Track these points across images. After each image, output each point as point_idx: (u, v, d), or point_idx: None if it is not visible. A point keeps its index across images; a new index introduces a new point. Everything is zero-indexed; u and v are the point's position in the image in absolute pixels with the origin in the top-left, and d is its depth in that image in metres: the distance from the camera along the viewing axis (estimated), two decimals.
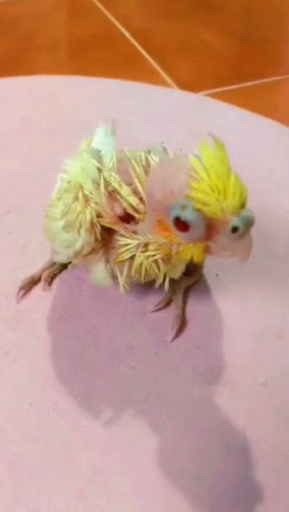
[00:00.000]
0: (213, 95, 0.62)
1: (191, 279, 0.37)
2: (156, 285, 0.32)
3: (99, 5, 0.79)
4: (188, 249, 0.27)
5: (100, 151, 0.32)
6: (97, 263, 0.32)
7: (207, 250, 0.26)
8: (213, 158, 0.24)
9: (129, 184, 0.29)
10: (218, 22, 0.77)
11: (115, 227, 0.29)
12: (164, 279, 0.31)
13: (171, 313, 0.36)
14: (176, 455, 0.30)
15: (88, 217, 0.29)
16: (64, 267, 0.38)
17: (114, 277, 0.32)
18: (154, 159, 0.30)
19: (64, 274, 0.38)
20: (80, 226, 0.30)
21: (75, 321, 0.36)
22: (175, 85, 0.64)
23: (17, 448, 0.30)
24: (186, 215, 0.24)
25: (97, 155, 0.31)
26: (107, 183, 0.29)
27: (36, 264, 0.38)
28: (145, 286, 0.37)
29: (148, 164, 0.29)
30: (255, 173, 0.49)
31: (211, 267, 0.39)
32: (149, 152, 0.31)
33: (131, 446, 0.30)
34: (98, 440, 0.30)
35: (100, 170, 0.30)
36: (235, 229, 0.24)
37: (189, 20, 0.77)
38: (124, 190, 0.28)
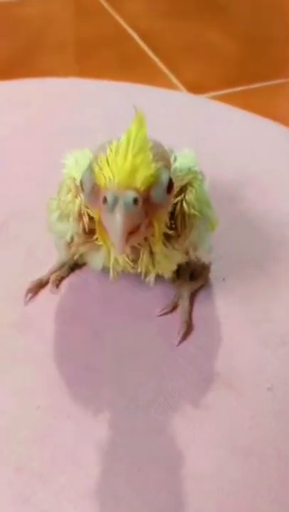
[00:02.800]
0: (220, 97, 0.62)
1: (197, 283, 0.38)
2: (145, 280, 0.33)
3: (106, 6, 0.79)
4: (100, 230, 0.28)
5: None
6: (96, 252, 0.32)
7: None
8: (131, 135, 0.25)
9: None
10: (225, 23, 0.77)
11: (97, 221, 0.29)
12: (147, 274, 0.32)
13: (177, 318, 0.36)
14: (181, 459, 0.30)
15: (76, 208, 0.30)
16: (71, 269, 0.39)
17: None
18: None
19: (72, 277, 0.38)
20: (69, 216, 0.31)
21: (81, 324, 0.36)
22: (182, 86, 0.64)
23: (25, 450, 0.30)
24: (82, 176, 0.27)
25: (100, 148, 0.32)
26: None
27: (43, 268, 0.39)
28: (152, 289, 0.37)
29: None
30: (260, 176, 0.49)
31: (217, 272, 0.39)
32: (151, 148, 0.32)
33: (136, 449, 0.30)
34: (104, 443, 0.31)
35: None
36: (104, 200, 0.25)
37: (196, 22, 0.77)
38: None
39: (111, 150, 0.25)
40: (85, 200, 0.28)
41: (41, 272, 0.38)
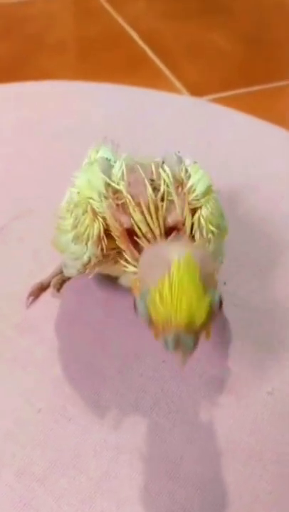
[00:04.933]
0: (222, 99, 0.62)
1: None
2: None
3: (107, 6, 0.79)
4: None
5: (109, 160, 0.32)
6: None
7: None
8: (183, 276, 0.24)
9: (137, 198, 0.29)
10: (228, 25, 0.77)
11: (121, 243, 0.29)
12: None
13: None
14: (182, 462, 0.30)
15: (96, 232, 0.30)
16: None
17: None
18: (166, 170, 0.30)
19: (73, 281, 0.39)
20: (88, 239, 0.30)
21: (83, 327, 0.36)
22: (183, 88, 0.64)
23: (26, 453, 0.30)
24: (138, 304, 0.25)
25: (107, 165, 0.32)
26: (116, 194, 0.30)
27: (46, 270, 0.39)
28: None
29: (158, 177, 0.30)
30: (263, 180, 0.49)
31: (218, 275, 0.39)
32: (163, 162, 0.31)
33: (138, 453, 0.31)
34: (106, 446, 0.31)
35: (107, 183, 0.30)
36: (166, 343, 0.25)
37: (198, 23, 0.77)
38: (132, 205, 0.29)
39: (163, 283, 0.24)
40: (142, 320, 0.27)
41: (45, 274, 0.38)
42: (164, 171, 0.30)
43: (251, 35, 0.75)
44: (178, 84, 0.65)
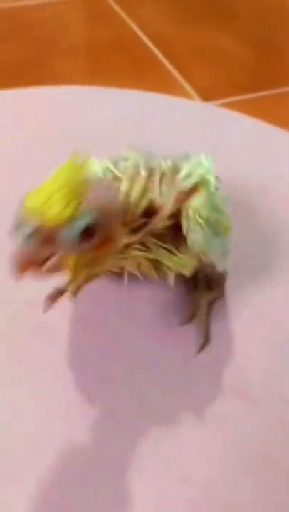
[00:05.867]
0: (232, 103, 0.62)
1: (214, 293, 0.38)
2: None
3: (118, 10, 0.80)
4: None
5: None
6: None
7: None
8: (62, 172, 0.25)
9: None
10: (237, 29, 0.77)
11: None
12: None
13: (194, 328, 0.37)
14: (196, 469, 0.31)
15: None
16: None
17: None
18: (167, 161, 0.32)
19: (90, 286, 0.39)
20: None
21: (99, 333, 0.37)
22: (193, 92, 0.64)
23: (42, 459, 0.31)
24: None
25: (117, 157, 0.33)
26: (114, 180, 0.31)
27: (62, 275, 0.39)
28: (169, 299, 0.38)
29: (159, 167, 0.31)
30: (272, 185, 0.49)
31: (232, 281, 0.39)
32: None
33: (151, 458, 0.31)
34: (120, 450, 0.31)
35: (108, 168, 0.31)
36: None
37: (208, 27, 0.77)
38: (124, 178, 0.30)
39: (44, 182, 0.25)
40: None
41: (61, 280, 0.39)
42: (166, 162, 0.31)
43: (261, 39, 0.75)
44: (187, 87, 0.65)
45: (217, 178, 0.34)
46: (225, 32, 0.76)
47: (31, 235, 0.24)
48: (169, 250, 0.31)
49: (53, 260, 0.25)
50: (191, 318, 0.37)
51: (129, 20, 0.78)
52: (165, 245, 0.31)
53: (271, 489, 0.30)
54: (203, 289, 0.38)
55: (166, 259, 0.32)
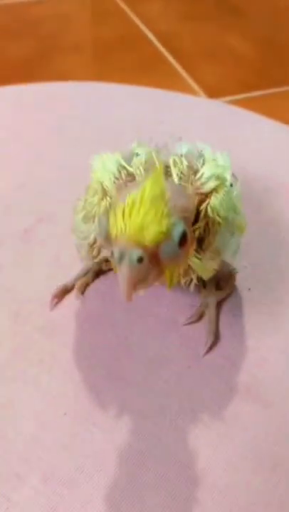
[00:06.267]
0: (239, 101, 0.62)
1: (223, 292, 0.38)
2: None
3: (124, 7, 0.79)
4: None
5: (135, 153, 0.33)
6: None
7: None
8: (145, 190, 0.25)
9: None
10: (245, 27, 0.77)
11: None
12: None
13: (203, 327, 0.36)
14: (208, 470, 0.30)
15: (102, 209, 0.30)
16: (97, 275, 0.39)
17: None
18: (183, 160, 0.31)
19: (97, 283, 0.38)
20: (94, 217, 0.31)
21: (107, 331, 0.36)
22: (200, 89, 0.64)
23: (52, 457, 0.30)
24: (100, 220, 0.28)
25: (130, 153, 0.32)
26: (128, 177, 0.30)
27: (69, 273, 0.39)
28: (178, 298, 0.37)
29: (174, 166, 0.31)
30: (286, 185, 0.49)
31: (243, 281, 0.39)
32: (181, 156, 0.32)
33: (163, 459, 0.30)
34: (131, 451, 0.31)
35: (122, 165, 0.31)
36: (112, 254, 0.26)
37: (215, 25, 0.77)
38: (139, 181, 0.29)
39: (128, 202, 0.25)
40: (100, 242, 0.29)
41: (67, 277, 0.38)
42: (181, 161, 0.31)
43: (268, 37, 0.75)
44: (194, 85, 0.65)
45: (233, 174, 0.34)
46: (231, 29, 0.76)
47: (138, 261, 0.25)
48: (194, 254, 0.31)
49: (154, 273, 0.26)
50: (200, 317, 0.37)
51: (135, 18, 0.77)
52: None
53: (283, 490, 0.30)
54: (212, 288, 0.37)
55: (195, 264, 0.31)
